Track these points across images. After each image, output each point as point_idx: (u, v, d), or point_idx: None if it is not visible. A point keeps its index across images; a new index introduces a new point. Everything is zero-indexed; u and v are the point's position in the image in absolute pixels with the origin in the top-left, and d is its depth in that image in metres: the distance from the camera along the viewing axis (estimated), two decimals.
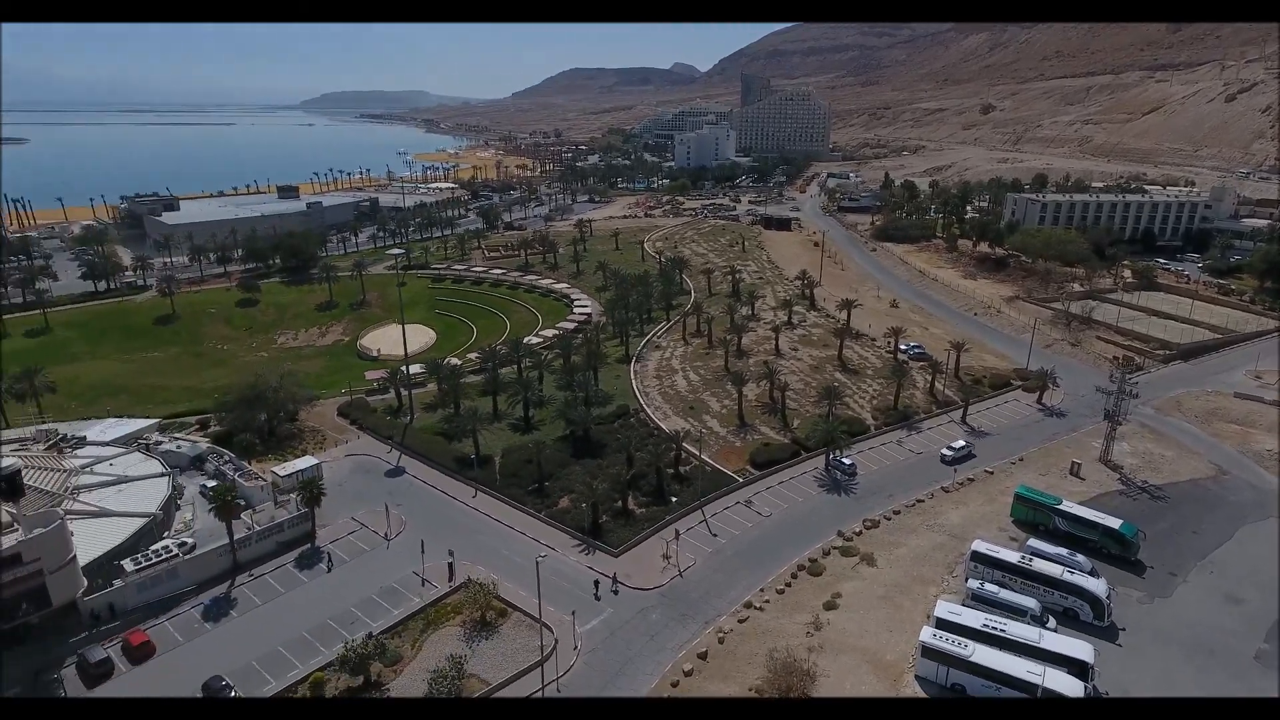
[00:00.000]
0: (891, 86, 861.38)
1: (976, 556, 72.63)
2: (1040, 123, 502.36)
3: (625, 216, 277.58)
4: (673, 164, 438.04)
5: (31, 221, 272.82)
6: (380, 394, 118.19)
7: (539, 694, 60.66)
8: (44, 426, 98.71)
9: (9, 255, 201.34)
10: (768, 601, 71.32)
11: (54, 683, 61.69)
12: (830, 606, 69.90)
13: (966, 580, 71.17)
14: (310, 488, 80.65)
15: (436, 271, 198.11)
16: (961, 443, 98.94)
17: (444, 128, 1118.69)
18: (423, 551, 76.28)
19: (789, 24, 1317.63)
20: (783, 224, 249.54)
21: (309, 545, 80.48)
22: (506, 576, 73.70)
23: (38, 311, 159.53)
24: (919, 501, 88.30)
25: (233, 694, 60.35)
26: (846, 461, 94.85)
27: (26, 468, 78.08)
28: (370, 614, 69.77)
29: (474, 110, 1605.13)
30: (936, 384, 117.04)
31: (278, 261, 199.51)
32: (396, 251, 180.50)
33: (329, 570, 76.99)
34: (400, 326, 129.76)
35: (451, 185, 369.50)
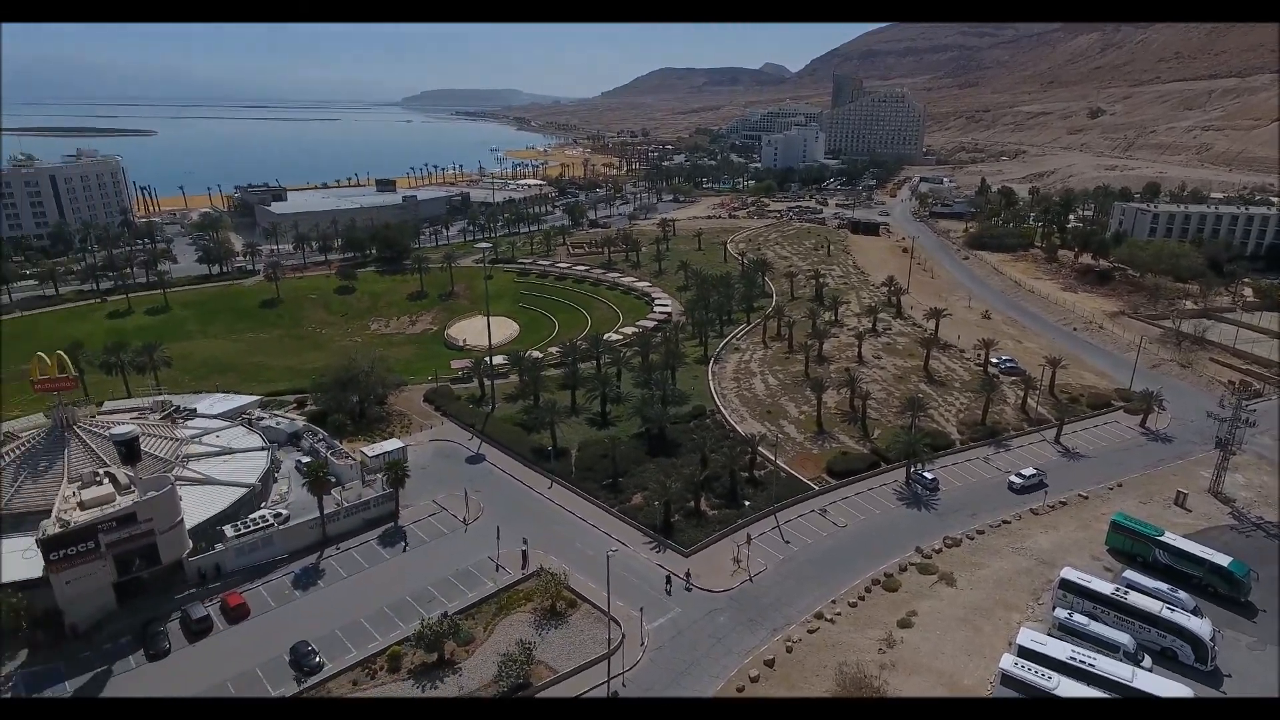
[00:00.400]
0: (991, 89, 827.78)
1: (1066, 585, 69.15)
2: (1154, 128, 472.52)
3: (709, 217, 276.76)
4: (759, 165, 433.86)
5: (156, 208, 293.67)
6: (464, 383, 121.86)
7: (605, 686, 61.37)
8: (160, 398, 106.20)
9: (136, 238, 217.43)
10: (839, 614, 69.94)
11: (160, 635, 66.33)
12: (905, 624, 67.99)
13: (1054, 609, 67.93)
14: (396, 469, 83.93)
15: (522, 266, 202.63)
16: (1032, 470, 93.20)
17: (534, 126, 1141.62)
18: (498, 538, 78.27)
19: (884, 24, 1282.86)
20: (870, 228, 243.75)
21: (392, 524, 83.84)
22: (577, 568, 74.89)
23: (158, 291, 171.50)
24: (1005, 522, 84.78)
25: (318, 659, 63.49)
26: (928, 476, 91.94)
27: (144, 435, 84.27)
28: (446, 594, 72.10)
29: (564, 109, 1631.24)
30: (1029, 400, 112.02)
31: (374, 251, 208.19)
32: (484, 245, 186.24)
33: (404, 550, 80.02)
34: (485, 318, 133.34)
35: (539, 182, 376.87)
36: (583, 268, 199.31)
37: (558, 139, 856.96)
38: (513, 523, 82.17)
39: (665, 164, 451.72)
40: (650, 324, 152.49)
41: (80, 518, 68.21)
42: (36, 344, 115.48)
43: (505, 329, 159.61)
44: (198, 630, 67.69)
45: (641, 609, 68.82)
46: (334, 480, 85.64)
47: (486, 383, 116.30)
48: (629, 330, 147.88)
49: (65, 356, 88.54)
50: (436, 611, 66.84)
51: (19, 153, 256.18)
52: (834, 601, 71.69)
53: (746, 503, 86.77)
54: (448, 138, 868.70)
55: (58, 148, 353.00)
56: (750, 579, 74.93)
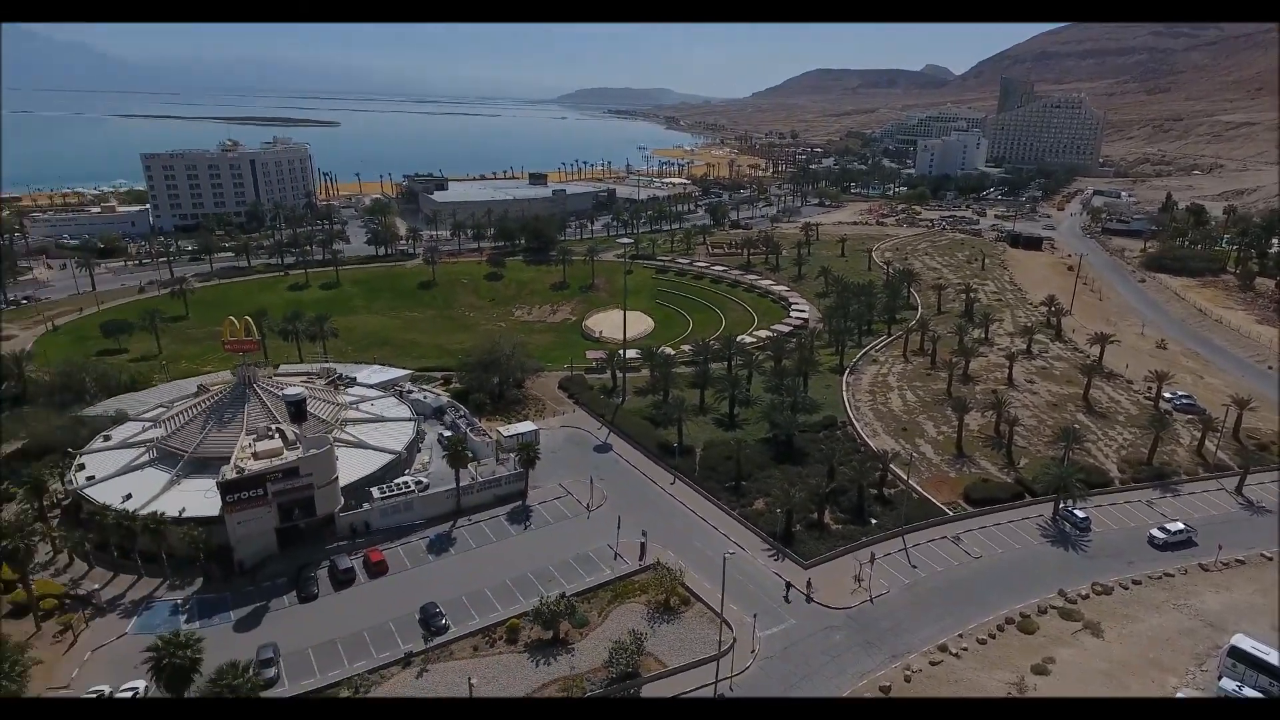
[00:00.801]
0: (1186, 95, 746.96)
1: (1236, 653, 61.80)
2: None
3: (855, 223, 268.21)
4: (912, 171, 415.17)
5: (335, 192, 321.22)
6: (598, 373, 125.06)
7: (712, 687, 61.28)
8: (326, 365, 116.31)
9: (317, 219, 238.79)
10: (965, 649, 66.10)
11: (311, 580, 72.87)
12: (1040, 671, 63.24)
13: (1220, 679, 61.00)
14: (528, 451, 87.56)
15: (661, 263, 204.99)
16: (1180, 525, 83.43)
17: (683, 125, 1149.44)
18: (618, 527, 79.87)
19: (1061, 24, 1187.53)
20: (1032, 243, 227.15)
21: (520, 503, 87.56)
22: (694, 566, 75.15)
23: (332, 269, 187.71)
24: (1166, 575, 76.88)
25: (444, 621, 67.40)
26: (1079, 514, 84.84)
27: (310, 398, 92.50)
28: (565, 576, 74.46)
29: (713, 109, 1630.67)
30: (1207, 443, 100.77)
31: (523, 242, 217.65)
32: (626, 241, 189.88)
33: (529, 528, 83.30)
34: (622, 312, 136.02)
35: (684, 181, 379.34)
36: (721, 268, 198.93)
37: (705, 138, 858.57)
38: (633, 514, 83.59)
39: (812, 167, 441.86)
40: (785, 329, 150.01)
41: (253, 466, 76.05)
42: (229, 309, 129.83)
43: (641, 324, 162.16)
44: (342, 580, 73.77)
45: (755, 615, 68.09)
46: (471, 455, 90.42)
47: (619, 375, 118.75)
48: (763, 333, 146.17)
49: (251, 322, 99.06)
50: (555, 591, 69.21)
51: (227, 139, 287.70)
52: (961, 635, 67.82)
53: (873, 520, 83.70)
54: (599, 135, 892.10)
55: (257, 135, 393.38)
56: (871, 600, 72.29)
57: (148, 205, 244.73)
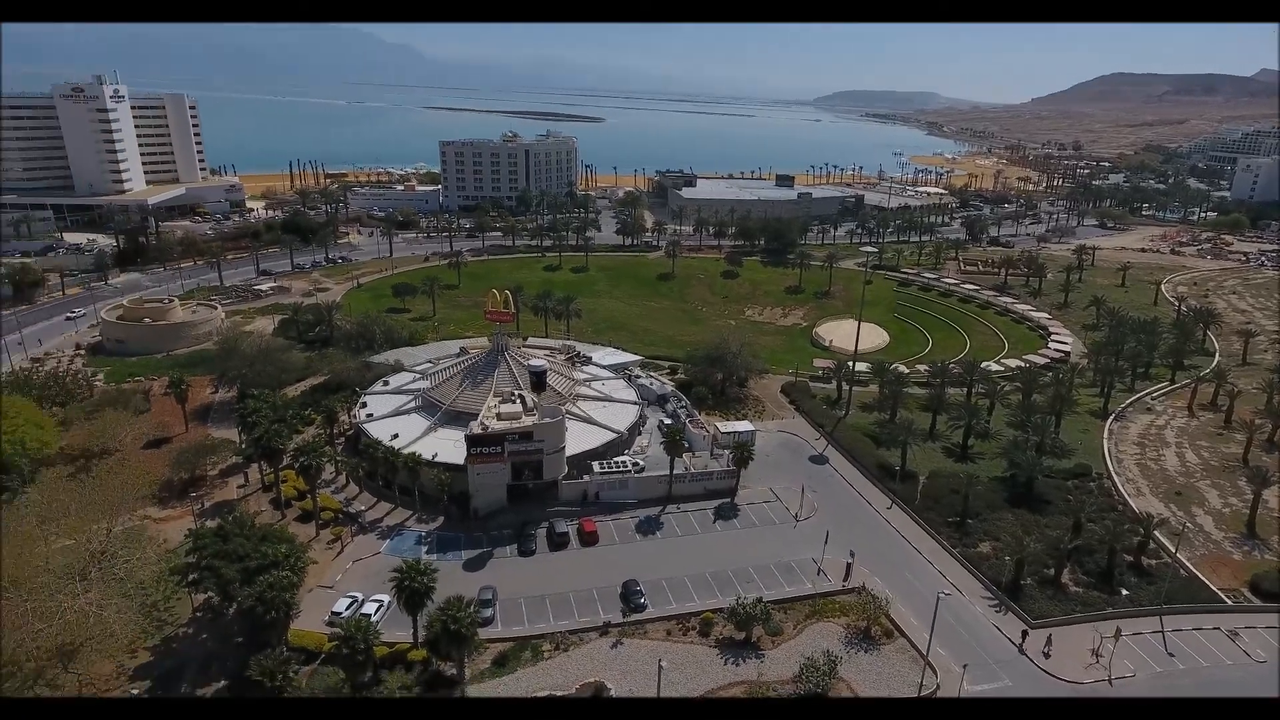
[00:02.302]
0: None
1: None
2: None
3: (1143, 250, 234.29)
4: (1226, 194, 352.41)
5: (594, 183, 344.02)
6: (823, 382, 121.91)
7: None
8: (567, 342, 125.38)
9: (575, 207, 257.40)
10: None
11: (531, 537, 79.36)
12: None
13: None
14: (743, 450, 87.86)
15: (905, 275, 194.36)
16: None
17: (946, 131, 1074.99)
18: (825, 542, 77.45)
19: None
20: None
21: (729, 500, 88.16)
22: (902, 598, 70.90)
23: (582, 254, 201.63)
24: None
25: (643, 600, 69.98)
26: None
27: (550, 371, 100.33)
28: (765, 581, 73.83)
29: (984, 114, 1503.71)
30: None
31: (761, 242, 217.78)
32: (869, 249, 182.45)
33: (735, 527, 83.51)
34: (857, 323, 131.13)
35: (940, 191, 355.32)
36: (972, 287, 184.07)
37: (969, 146, 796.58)
38: (843, 531, 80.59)
39: (1095, 183, 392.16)
40: (1041, 360, 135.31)
41: (495, 426, 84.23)
42: (493, 282, 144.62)
43: (875, 337, 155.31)
44: (558, 542, 79.44)
45: (965, 666, 62.65)
46: (687, 446, 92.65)
47: (845, 387, 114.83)
48: (1012, 362, 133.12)
49: (510, 296, 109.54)
50: (752, 594, 68.83)
51: (508, 131, 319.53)
52: None
53: (1124, 591, 73.10)
54: (852, 138, 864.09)
55: (533, 128, 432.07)
56: (1109, 681, 63.32)
57: (439, 186, 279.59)
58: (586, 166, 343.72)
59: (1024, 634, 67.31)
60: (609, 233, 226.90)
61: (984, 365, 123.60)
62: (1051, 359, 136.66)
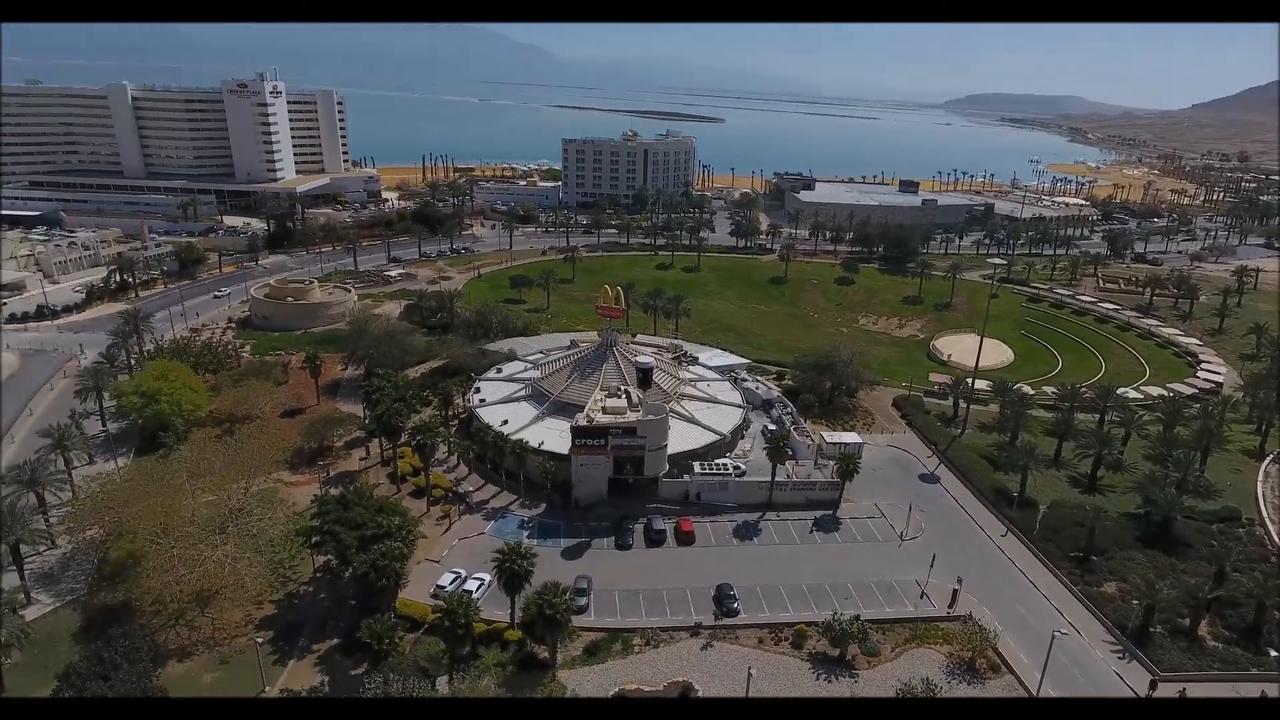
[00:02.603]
0: None
1: None
2: None
3: None
4: None
5: (710, 183, 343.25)
6: (938, 398, 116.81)
7: None
8: (675, 341, 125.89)
9: (690, 207, 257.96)
10: None
11: (628, 531, 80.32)
12: None
13: None
14: (849, 462, 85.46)
15: (1035, 290, 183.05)
16: None
17: (1091, 138, 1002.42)
18: (931, 565, 74.17)
19: None
20: None
21: (831, 512, 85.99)
22: (1011, 632, 67.05)
23: (695, 254, 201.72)
24: None
25: (736, 605, 69.38)
26: None
27: (656, 369, 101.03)
28: (863, 599, 71.56)
29: (1135, 121, 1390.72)
30: None
31: (880, 249, 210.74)
32: (997, 261, 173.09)
33: (836, 540, 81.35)
34: (979, 337, 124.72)
35: (1080, 202, 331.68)
36: (1111, 306, 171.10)
37: (1116, 155, 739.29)
38: (950, 555, 77.03)
39: (1264, 198, 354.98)
40: (1188, 390, 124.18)
41: (600, 419, 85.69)
42: (606, 278, 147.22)
43: (998, 354, 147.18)
44: (654, 539, 80.00)
45: None
46: (791, 453, 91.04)
47: (963, 404, 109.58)
48: (1154, 390, 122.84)
49: (622, 292, 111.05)
50: (850, 611, 66.88)
51: (629, 130, 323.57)
52: None
53: (1273, 652, 66.08)
54: (985, 144, 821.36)
55: (652, 127, 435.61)
56: None
57: (559, 183, 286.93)
58: (704, 166, 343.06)
59: (1152, 684, 62.10)
60: (723, 233, 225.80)
61: (1121, 391, 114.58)
62: (1200, 389, 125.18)
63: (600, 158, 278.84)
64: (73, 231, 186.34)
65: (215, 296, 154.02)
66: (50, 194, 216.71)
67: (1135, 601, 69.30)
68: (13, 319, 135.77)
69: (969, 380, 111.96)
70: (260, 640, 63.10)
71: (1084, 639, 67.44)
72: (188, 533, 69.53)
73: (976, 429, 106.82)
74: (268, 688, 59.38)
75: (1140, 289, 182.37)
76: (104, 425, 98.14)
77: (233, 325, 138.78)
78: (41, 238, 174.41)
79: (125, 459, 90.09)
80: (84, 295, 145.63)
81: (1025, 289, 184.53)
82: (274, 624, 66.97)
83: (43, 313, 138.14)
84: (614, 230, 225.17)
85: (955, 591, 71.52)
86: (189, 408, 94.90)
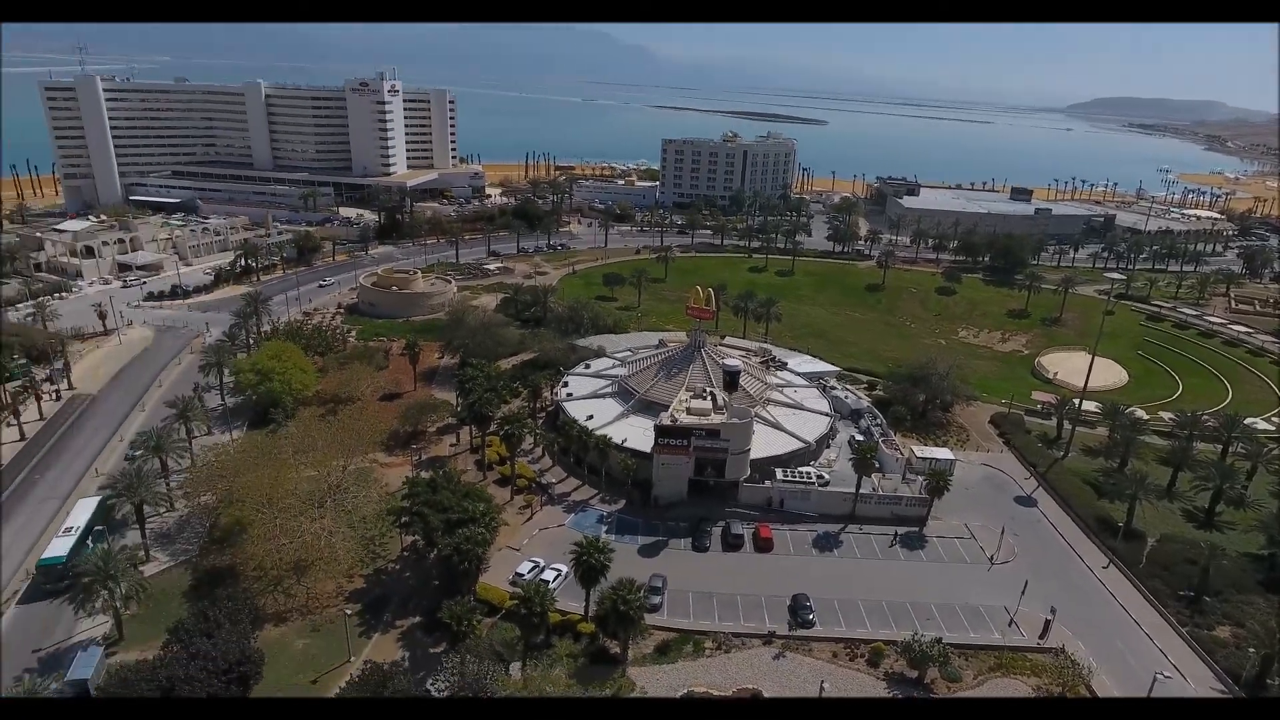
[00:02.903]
0: None
1: None
2: None
3: None
4: None
5: (809, 187, 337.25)
6: (1040, 418, 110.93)
7: None
8: (764, 346, 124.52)
9: (787, 210, 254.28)
10: None
11: (705, 534, 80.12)
12: None
13: None
14: (939, 478, 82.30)
15: (1156, 309, 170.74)
16: None
17: (1231, 146, 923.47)
18: (1022, 593, 70.56)
19: None
20: None
21: (917, 529, 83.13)
22: (1108, 670, 63.05)
23: (789, 258, 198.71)
24: None
25: (811, 616, 68.10)
26: None
27: (743, 373, 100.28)
28: (947, 621, 68.87)
29: None
30: None
31: (986, 259, 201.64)
32: (1115, 276, 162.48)
33: (921, 558, 78.53)
34: (1089, 356, 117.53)
35: (1214, 215, 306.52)
36: (1243, 329, 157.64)
37: (1260, 165, 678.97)
38: (1045, 584, 73.11)
39: None
40: None
41: (684, 419, 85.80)
42: (698, 279, 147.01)
43: (1110, 374, 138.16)
44: (731, 543, 79.52)
45: None
46: (878, 466, 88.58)
47: (1067, 426, 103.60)
48: None
49: (713, 293, 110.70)
50: (931, 633, 64.48)
51: (729, 131, 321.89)
52: None
53: None
54: (1109, 152, 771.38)
55: (752, 129, 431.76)
56: None
57: (657, 183, 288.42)
58: (803, 169, 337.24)
59: None
60: (819, 238, 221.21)
61: (1248, 421, 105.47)
62: None
63: (699, 158, 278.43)
64: (206, 218, 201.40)
65: (321, 286, 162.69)
66: (189, 183, 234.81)
67: (1252, 650, 63.71)
68: (150, 296, 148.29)
69: (1076, 401, 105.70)
70: (349, 612, 66.50)
71: (1189, 684, 62.66)
72: (289, 504, 74.17)
73: (1081, 453, 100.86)
74: (353, 657, 62.53)
75: (1278, 312, 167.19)
76: (223, 400, 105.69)
77: (341, 310, 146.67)
78: (179, 223, 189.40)
79: (239, 432, 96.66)
80: (213, 277, 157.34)
81: (1145, 307, 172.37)
82: (362, 597, 70.40)
83: (176, 292, 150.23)
84: (709, 231, 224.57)
85: (1048, 622, 67.80)
86: (298, 387, 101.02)
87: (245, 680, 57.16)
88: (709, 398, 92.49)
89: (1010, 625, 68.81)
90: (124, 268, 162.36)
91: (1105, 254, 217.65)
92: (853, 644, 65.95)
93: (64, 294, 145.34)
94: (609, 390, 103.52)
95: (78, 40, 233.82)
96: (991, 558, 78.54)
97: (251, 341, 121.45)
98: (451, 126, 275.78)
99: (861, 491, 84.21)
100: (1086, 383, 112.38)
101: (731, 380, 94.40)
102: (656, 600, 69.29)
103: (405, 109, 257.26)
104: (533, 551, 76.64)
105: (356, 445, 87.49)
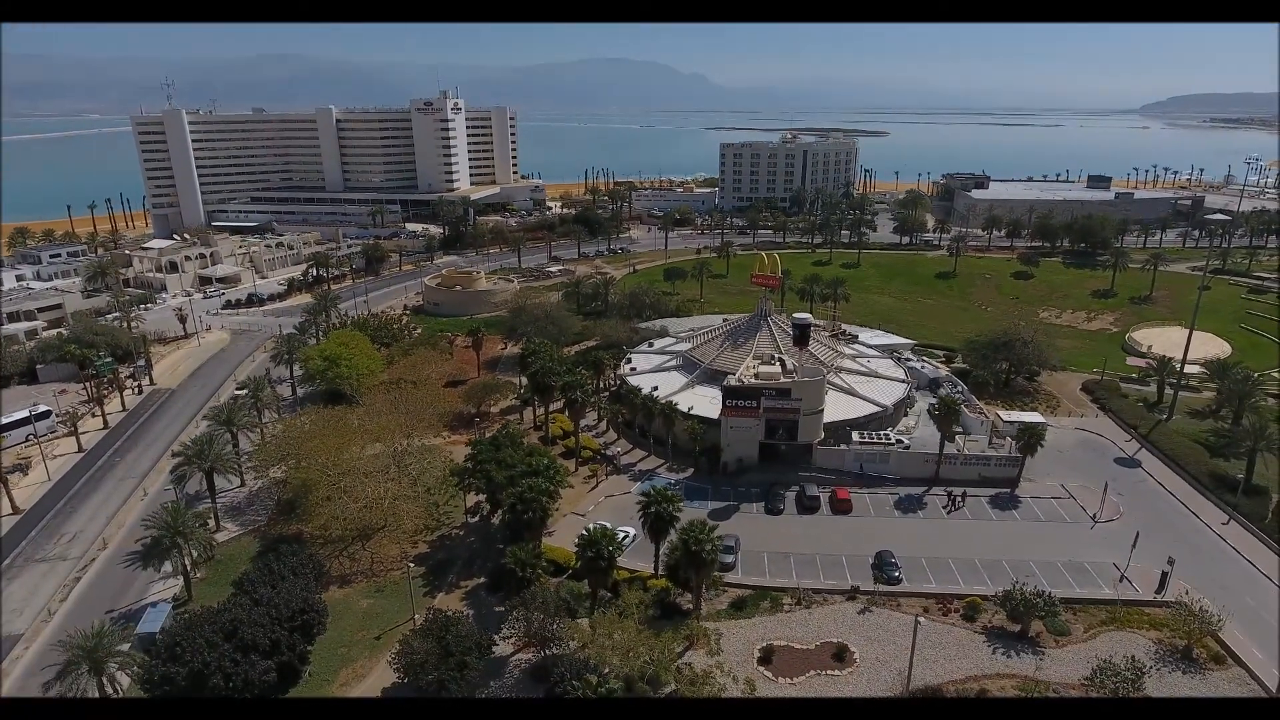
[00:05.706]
0: None
1: None
2: None
3: None
4: None
5: (872, 187, 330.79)
6: (1137, 384, 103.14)
7: None
8: (834, 321, 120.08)
9: (850, 208, 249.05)
10: None
11: (779, 497, 76.24)
12: None
13: None
14: (1031, 435, 76.58)
15: (1259, 281, 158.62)
16: None
17: None
18: (1133, 546, 64.15)
19: None
20: None
21: (1009, 490, 77.39)
22: (1240, 623, 56.33)
23: (855, 251, 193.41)
24: None
25: (898, 573, 63.39)
26: None
27: (812, 337, 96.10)
28: (1049, 577, 63.06)
29: None
30: None
31: (1065, 243, 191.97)
32: (1210, 250, 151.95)
33: (1015, 518, 72.81)
34: (1188, 330, 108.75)
35: None
36: None
37: None
38: (1157, 539, 66.51)
39: None
40: None
41: (752, 382, 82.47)
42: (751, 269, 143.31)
43: (1210, 347, 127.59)
44: (807, 506, 75.42)
45: None
46: (959, 429, 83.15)
47: (1169, 389, 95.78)
48: None
49: (778, 259, 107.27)
50: (1033, 586, 58.96)
51: (789, 132, 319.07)
52: None
53: None
54: (1191, 146, 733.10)
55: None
56: None
57: (717, 189, 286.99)
58: (866, 171, 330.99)
59: None
60: (885, 233, 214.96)
61: None
62: None
63: (758, 161, 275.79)
64: (280, 235, 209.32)
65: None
66: (265, 208, 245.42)
67: None
68: (228, 305, 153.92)
69: (1175, 364, 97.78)
70: (413, 566, 65.11)
71: None
72: (354, 467, 73.88)
73: (1186, 415, 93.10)
74: (417, 615, 60.69)
75: None
76: (294, 391, 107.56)
77: (407, 312, 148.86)
78: (255, 240, 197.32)
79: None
80: (285, 287, 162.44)
81: (1245, 280, 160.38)
82: (426, 561, 69.09)
83: (251, 300, 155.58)
84: (769, 230, 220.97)
85: (1165, 574, 61.38)
86: (365, 374, 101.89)
87: (309, 629, 56.14)
88: (777, 364, 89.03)
89: (1120, 580, 62.62)
90: (204, 280, 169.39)
91: (1195, 234, 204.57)
92: (945, 599, 60.98)
93: (149, 304, 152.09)
94: (673, 364, 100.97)
95: (165, 78, 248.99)
96: (1094, 516, 72.28)
97: (320, 333, 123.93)
98: (513, 142, 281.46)
99: (946, 453, 78.97)
100: (1185, 353, 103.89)
101: (802, 334, 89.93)
102: (730, 559, 65.75)
103: (468, 127, 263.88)
104: (599, 516, 73.97)
105: (422, 422, 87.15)
